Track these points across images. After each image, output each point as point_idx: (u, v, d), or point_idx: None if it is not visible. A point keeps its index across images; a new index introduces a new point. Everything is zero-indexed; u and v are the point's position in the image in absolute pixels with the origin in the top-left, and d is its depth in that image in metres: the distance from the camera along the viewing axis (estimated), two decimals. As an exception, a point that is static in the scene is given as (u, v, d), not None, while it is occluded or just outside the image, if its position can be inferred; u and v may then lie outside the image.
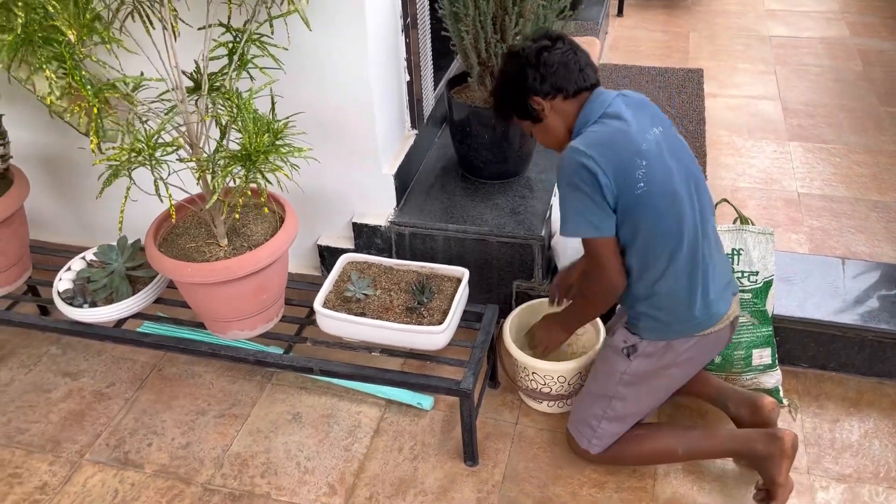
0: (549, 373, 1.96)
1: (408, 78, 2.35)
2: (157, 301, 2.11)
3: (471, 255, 2.29)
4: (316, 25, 1.94)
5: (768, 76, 3.75)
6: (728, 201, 2.03)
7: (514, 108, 1.71)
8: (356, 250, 2.38)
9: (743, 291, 2.01)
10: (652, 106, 1.70)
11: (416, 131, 2.47)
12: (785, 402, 2.08)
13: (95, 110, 1.40)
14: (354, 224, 2.35)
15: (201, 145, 1.74)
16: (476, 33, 2.18)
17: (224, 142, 1.74)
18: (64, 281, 2.07)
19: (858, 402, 2.09)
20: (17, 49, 1.30)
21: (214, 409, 2.17)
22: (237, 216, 1.85)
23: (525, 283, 2.29)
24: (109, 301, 2.01)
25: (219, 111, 1.74)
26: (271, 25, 1.78)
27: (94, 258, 2.12)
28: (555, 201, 2.33)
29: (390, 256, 2.35)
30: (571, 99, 1.65)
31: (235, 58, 1.74)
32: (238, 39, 1.76)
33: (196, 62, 1.77)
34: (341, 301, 1.96)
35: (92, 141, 1.44)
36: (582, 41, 3.42)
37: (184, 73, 1.71)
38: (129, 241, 2.12)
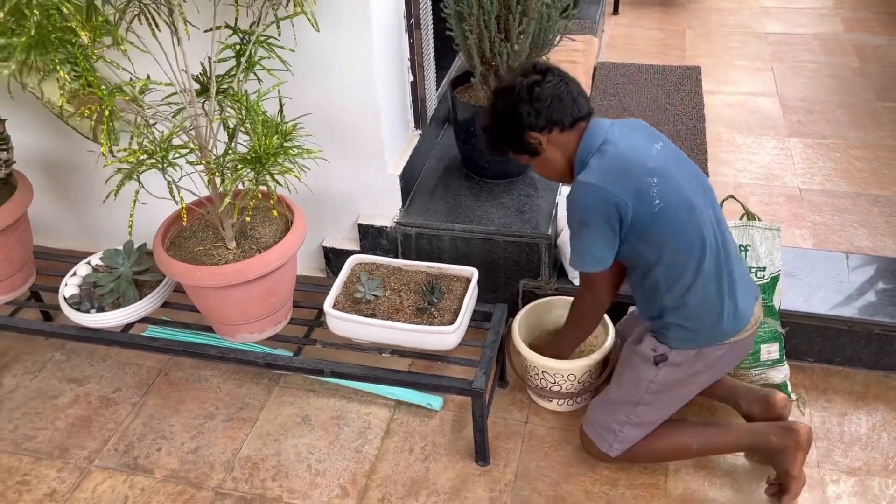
0: (560, 371, 1.97)
1: (411, 78, 2.35)
2: (164, 305, 2.10)
3: (477, 255, 2.29)
4: (322, 26, 1.94)
5: (765, 73, 3.77)
6: (735, 198, 2.04)
7: (510, 145, 1.69)
8: (361, 251, 2.38)
9: (751, 287, 2.02)
10: (646, 126, 1.71)
11: (419, 132, 2.47)
12: (793, 396, 2.09)
13: (107, 113, 1.39)
14: (360, 225, 2.35)
15: (210, 148, 1.73)
16: (480, 33, 2.18)
17: (232, 144, 1.74)
18: (70, 286, 2.05)
19: (866, 396, 2.10)
20: (29, 50, 1.29)
21: (223, 412, 2.16)
22: (248, 218, 1.84)
23: (532, 282, 2.29)
24: (117, 306, 2.00)
25: (227, 114, 1.73)
26: (278, 27, 1.78)
27: (101, 263, 2.11)
28: (560, 199, 2.34)
29: (396, 257, 2.35)
30: (568, 130, 1.64)
31: (243, 60, 1.73)
32: (245, 41, 1.75)
33: (202, 64, 1.76)
34: (351, 302, 1.96)
35: (103, 144, 1.43)
36: (581, 39, 3.44)
37: (186, 71, 1.70)
38: (135, 246, 2.11)
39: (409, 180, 2.39)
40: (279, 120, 1.70)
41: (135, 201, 1.65)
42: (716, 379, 1.82)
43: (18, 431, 2.14)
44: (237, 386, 2.24)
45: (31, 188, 2.14)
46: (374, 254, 2.34)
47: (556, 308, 2.18)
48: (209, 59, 1.74)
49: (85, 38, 1.32)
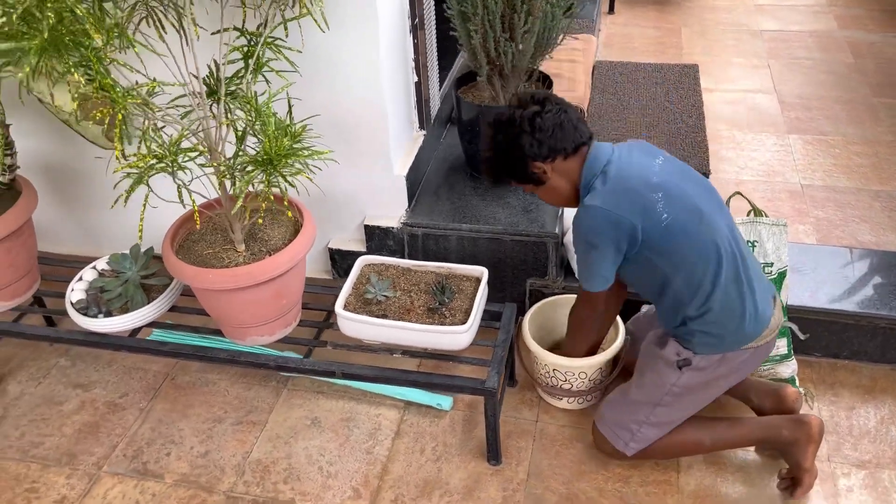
0: (571, 369, 1.97)
1: (416, 79, 2.35)
2: (171, 309, 2.08)
3: (484, 255, 2.29)
4: (329, 28, 1.93)
5: (762, 70, 3.79)
6: (742, 194, 2.05)
7: (515, 176, 1.70)
8: (367, 252, 2.38)
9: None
10: (645, 143, 1.73)
11: (423, 132, 2.47)
12: (801, 390, 2.10)
13: (120, 116, 1.38)
14: (366, 226, 2.35)
15: (219, 150, 1.72)
16: (485, 32, 2.18)
17: (242, 146, 1.73)
18: (77, 291, 2.04)
19: (873, 389, 2.12)
20: (42, 53, 1.28)
21: (231, 416, 2.15)
22: (261, 220, 1.83)
23: (539, 281, 2.29)
24: (125, 310, 1.98)
25: (237, 115, 1.72)
26: (286, 28, 1.77)
27: (107, 267, 2.10)
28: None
29: (402, 258, 2.35)
30: (572, 156, 1.65)
31: (251, 62, 1.73)
32: (253, 43, 1.75)
33: (209, 67, 1.76)
34: (362, 303, 1.96)
35: (116, 147, 1.42)
36: (580, 38, 3.44)
37: (196, 76, 1.69)
38: (137, 250, 2.09)
39: (414, 181, 2.39)
40: (288, 121, 1.70)
41: (144, 205, 1.64)
42: (737, 382, 1.83)
43: (25, 438, 2.12)
44: (245, 389, 2.24)
45: (36, 193, 2.12)
46: (381, 255, 2.34)
47: (565, 306, 2.17)
48: (215, 61, 1.73)
49: (99, 40, 1.31)
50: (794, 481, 1.80)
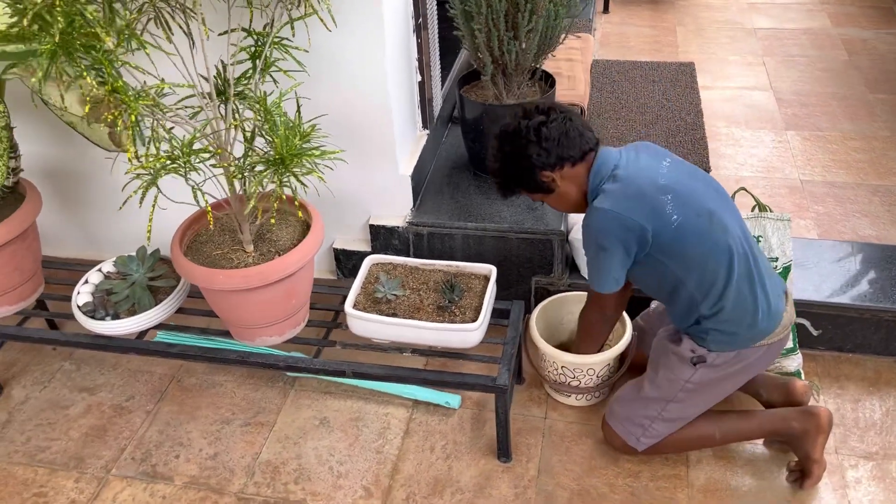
0: (579, 366, 1.98)
1: (419, 78, 2.35)
2: (178, 311, 2.08)
3: (489, 253, 2.29)
4: (334, 27, 1.94)
5: (758, 67, 3.81)
6: (746, 190, 2.06)
7: (523, 186, 1.71)
8: (372, 252, 2.38)
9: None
10: (652, 145, 1.74)
11: (427, 131, 2.47)
12: (809, 383, 2.11)
13: (133, 118, 1.38)
14: (371, 226, 2.35)
15: (229, 151, 1.72)
16: (489, 31, 2.19)
17: (251, 147, 1.73)
18: (83, 294, 2.03)
19: (877, 382, 2.14)
20: (53, 57, 1.28)
21: (239, 417, 2.15)
22: (273, 220, 1.83)
23: (544, 279, 2.30)
24: (132, 312, 1.98)
25: (246, 116, 1.72)
26: (292, 28, 1.77)
27: (113, 270, 2.09)
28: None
29: (408, 257, 2.35)
30: (579, 163, 1.66)
31: (259, 62, 1.73)
32: (260, 43, 1.75)
33: (217, 67, 1.75)
34: (371, 302, 1.96)
35: (128, 149, 1.42)
36: (578, 37, 3.46)
37: (204, 77, 1.69)
38: (144, 252, 2.09)
39: (418, 180, 2.39)
40: (297, 121, 1.70)
41: (154, 207, 1.63)
42: (750, 378, 1.84)
43: (32, 443, 2.11)
44: (252, 390, 2.23)
45: (40, 197, 2.11)
46: (386, 254, 2.34)
47: (571, 304, 2.19)
48: (222, 62, 1.73)
49: (110, 43, 1.31)
50: (803, 473, 1.81)
